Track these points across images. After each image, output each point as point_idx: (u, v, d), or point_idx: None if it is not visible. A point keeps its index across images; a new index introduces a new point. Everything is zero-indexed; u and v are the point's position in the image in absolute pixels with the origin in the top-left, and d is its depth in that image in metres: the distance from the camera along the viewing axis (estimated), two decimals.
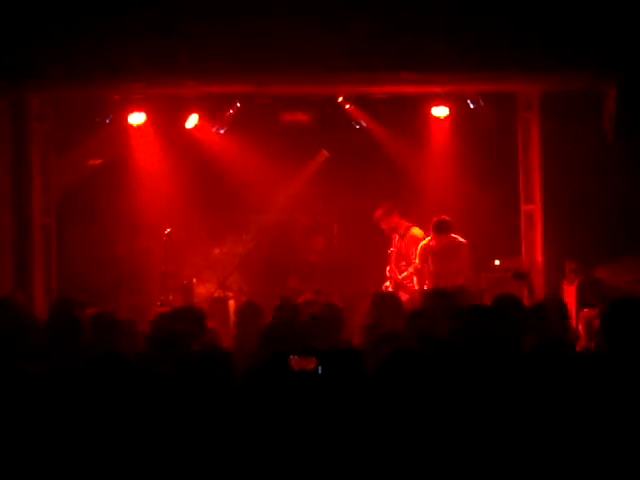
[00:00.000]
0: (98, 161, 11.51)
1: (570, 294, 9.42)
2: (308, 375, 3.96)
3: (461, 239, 9.89)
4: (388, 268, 10.35)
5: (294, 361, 3.96)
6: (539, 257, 10.68)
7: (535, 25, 8.76)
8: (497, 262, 10.86)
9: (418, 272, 9.92)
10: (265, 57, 8.86)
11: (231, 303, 10.71)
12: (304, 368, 3.96)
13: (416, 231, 10.30)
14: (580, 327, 6.55)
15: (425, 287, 9.67)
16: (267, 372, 4.00)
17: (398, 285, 10.16)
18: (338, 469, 3.78)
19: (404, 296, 9.29)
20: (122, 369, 4.21)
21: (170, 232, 10.43)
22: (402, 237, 10.36)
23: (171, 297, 10.56)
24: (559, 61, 8.91)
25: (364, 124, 11.25)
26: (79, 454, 3.96)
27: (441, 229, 9.72)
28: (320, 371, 3.99)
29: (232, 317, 10.25)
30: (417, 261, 9.93)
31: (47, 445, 4.01)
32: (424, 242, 9.97)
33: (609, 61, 8.92)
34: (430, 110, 10.89)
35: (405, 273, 10.21)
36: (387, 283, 10.33)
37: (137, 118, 10.77)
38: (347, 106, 10.97)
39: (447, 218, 9.79)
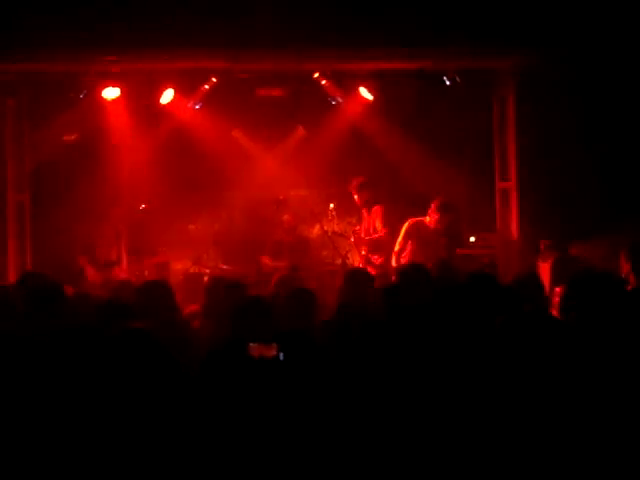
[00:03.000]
0: (72, 136, 11.41)
1: (544, 271, 9.41)
2: (268, 362, 3.92)
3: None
4: (352, 239, 10.39)
5: (254, 348, 3.92)
6: (514, 234, 10.73)
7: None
8: (472, 239, 10.89)
9: (397, 252, 9.88)
10: (239, 32, 8.79)
11: (206, 279, 10.67)
12: (264, 355, 3.92)
13: (380, 205, 10.36)
14: (553, 304, 6.57)
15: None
16: (225, 358, 3.96)
17: (367, 260, 10.20)
18: (305, 456, 3.78)
19: (372, 271, 9.30)
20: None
21: (145, 208, 10.39)
22: (369, 212, 10.41)
23: (146, 273, 10.56)
24: (531, 39, 8.91)
25: (339, 100, 11.22)
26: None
27: (448, 209, 9.70)
28: (282, 357, 3.95)
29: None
30: (400, 240, 9.87)
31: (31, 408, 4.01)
32: (411, 223, 9.89)
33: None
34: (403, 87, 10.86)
35: (373, 237, 10.24)
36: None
37: (111, 93, 10.69)
38: (323, 82, 10.93)
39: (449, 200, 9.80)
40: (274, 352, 3.91)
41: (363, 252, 10.33)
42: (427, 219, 9.80)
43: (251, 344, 3.90)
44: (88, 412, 4.00)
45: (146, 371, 4.13)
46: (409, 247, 9.77)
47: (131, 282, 7.61)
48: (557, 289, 6.74)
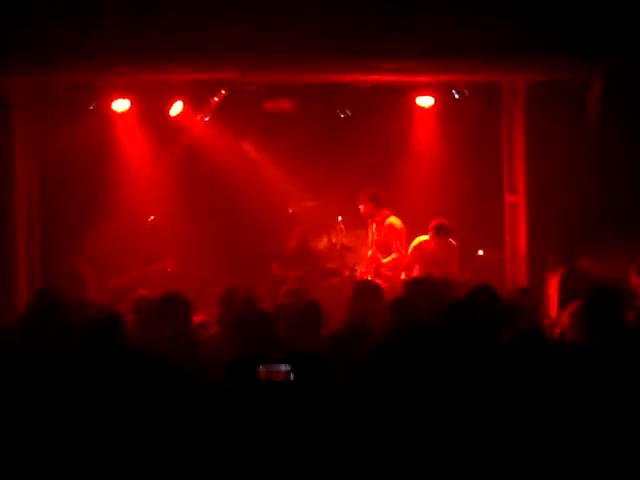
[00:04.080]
0: (82, 148, 11.44)
1: (553, 285, 9.43)
2: (279, 384, 3.91)
3: (454, 242, 9.90)
4: (370, 252, 10.34)
5: (263, 371, 3.91)
6: (522, 247, 10.70)
7: (520, 14, 8.74)
8: (480, 252, 10.88)
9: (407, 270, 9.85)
10: (249, 45, 8.82)
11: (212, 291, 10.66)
12: (274, 378, 3.91)
13: (394, 220, 10.21)
14: (564, 318, 6.55)
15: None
16: (237, 379, 3.96)
17: (376, 272, 10.15)
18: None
19: (382, 284, 9.27)
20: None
21: (153, 220, 10.41)
22: (379, 225, 10.32)
23: (152, 281, 10.55)
24: (544, 50, 8.90)
25: (348, 112, 11.23)
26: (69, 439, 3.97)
27: (443, 232, 9.67)
28: (292, 378, 3.94)
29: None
30: (407, 261, 9.86)
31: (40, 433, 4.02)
32: (418, 242, 9.88)
33: (594, 50, 8.91)
34: (415, 100, 10.88)
35: (388, 259, 10.17)
36: (363, 268, 10.33)
37: (121, 105, 10.71)
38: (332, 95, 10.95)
39: (447, 222, 9.76)
40: (285, 374, 3.91)
41: (377, 266, 10.27)
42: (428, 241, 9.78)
43: (261, 366, 3.89)
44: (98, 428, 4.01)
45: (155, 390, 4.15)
46: (417, 268, 9.76)
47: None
48: (568, 304, 6.74)
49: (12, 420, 4.09)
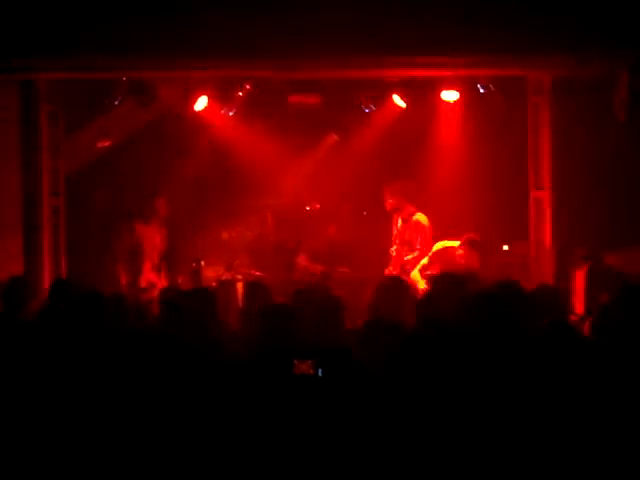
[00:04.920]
0: (107, 143, 11.51)
1: (579, 280, 9.39)
2: (308, 378, 3.93)
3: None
4: (394, 248, 10.30)
5: (296, 365, 3.94)
6: (548, 243, 10.65)
7: (546, 9, 8.70)
8: (505, 247, 10.84)
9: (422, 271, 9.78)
10: (275, 41, 8.82)
11: (239, 286, 10.70)
12: (305, 372, 3.94)
13: (421, 217, 10.14)
14: (591, 314, 6.53)
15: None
16: (265, 372, 3.98)
17: (402, 268, 10.10)
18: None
19: (407, 279, 9.24)
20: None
21: (165, 215, 10.49)
22: (405, 221, 10.28)
23: (180, 280, 10.60)
24: (570, 44, 8.86)
25: (372, 107, 11.21)
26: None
27: (477, 247, 9.51)
28: (320, 373, 3.96)
29: (240, 299, 10.29)
30: (425, 261, 9.78)
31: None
32: (443, 246, 9.79)
33: (621, 43, 8.86)
34: (440, 94, 10.84)
35: (410, 256, 10.13)
36: (390, 267, 10.29)
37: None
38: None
39: (478, 237, 9.61)
40: (314, 369, 3.93)
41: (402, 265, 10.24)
42: (457, 249, 9.66)
43: (295, 360, 3.91)
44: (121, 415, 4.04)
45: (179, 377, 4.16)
46: (435, 269, 9.67)
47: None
48: (594, 299, 6.72)
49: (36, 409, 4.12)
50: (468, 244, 9.44)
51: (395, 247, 10.31)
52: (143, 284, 10.22)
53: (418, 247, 10.04)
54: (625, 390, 4.12)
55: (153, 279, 10.32)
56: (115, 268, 10.40)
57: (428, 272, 9.63)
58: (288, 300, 6.60)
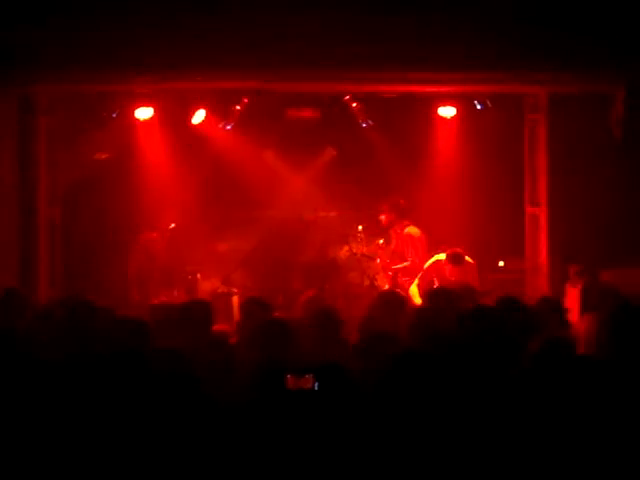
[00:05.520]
0: (104, 155, 11.52)
1: (573, 297, 9.40)
2: (304, 393, 3.93)
3: (470, 260, 9.77)
4: (379, 261, 10.34)
5: (290, 380, 3.93)
6: (543, 259, 10.68)
7: (543, 26, 8.75)
8: (501, 263, 10.86)
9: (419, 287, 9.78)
10: (273, 54, 8.86)
11: (235, 299, 10.70)
12: (301, 387, 3.94)
13: (412, 229, 10.18)
14: (582, 331, 6.53)
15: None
16: (263, 389, 3.98)
17: (394, 281, 10.13)
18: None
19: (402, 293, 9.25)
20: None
21: (174, 227, 10.46)
22: (398, 235, 10.33)
23: (175, 292, 10.59)
24: (567, 62, 8.91)
25: (370, 122, 11.25)
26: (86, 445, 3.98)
27: (458, 261, 9.51)
28: (317, 388, 3.97)
29: (236, 313, 10.28)
30: (420, 277, 9.78)
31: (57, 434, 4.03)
32: (435, 260, 9.80)
33: (617, 62, 8.91)
34: (437, 110, 10.88)
35: (400, 265, 10.16)
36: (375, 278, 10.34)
37: (144, 113, 10.77)
38: (354, 104, 10.97)
39: (459, 250, 9.59)
40: (310, 383, 3.93)
41: (390, 273, 10.28)
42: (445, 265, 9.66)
43: (288, 375, 3.91)
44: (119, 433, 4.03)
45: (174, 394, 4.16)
46: (432, 283, 9.67)
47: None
48: (586, 316, 6.72)
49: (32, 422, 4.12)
50: (450, 260, 9.45)
51: (379, 259, 10.37)
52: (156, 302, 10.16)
53: (409, 258, 10.08)
54: (621, 406, 4.12)
55: (165, 296, 10.28)
56: (126, 285, 10.39)
57: (422, 285, 9.64)
58: (292, 311, 6.61)
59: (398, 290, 9.70)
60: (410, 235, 10.18)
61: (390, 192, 10.63)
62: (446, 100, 10.70)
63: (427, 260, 9.88)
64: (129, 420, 4.06)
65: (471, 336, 4.91)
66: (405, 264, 10.09)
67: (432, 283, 9.60)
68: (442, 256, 9.70)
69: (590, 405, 4.04)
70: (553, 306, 6.41)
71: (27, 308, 6.92)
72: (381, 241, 10.48)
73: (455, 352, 4.65)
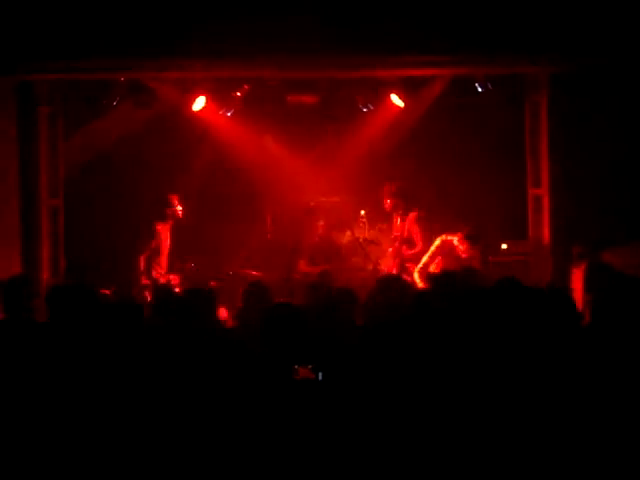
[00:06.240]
0: (105, 144, 11.51)
1: (577, 278, 9.39)
2: (310, 382, 3.94)
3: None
4: (390, 250, 10.38)
5: (297, 370, 3.94)
6: (546, 241, 10.66)
7: (536, 6, 8.74)
8: (504, 246, 10.85)
9: (422, 269, 9.77)
10: (272, 41, 8.84)
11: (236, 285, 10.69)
12: (307, 377, 3.94)
13: (414, 217, 10.28)
14: (587, 311, 6.52)
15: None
16: (270, 379, 3.98)
17: (402, 267, 10.15)
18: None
19: (407, 279, 9.26)
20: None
21: (177, 214, 10.48)
22: (403, 220, 10.33)
23: (179, 279, 10.59)
24: (562, 41, 8.89)
25: (370, 107, 11.23)
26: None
27: (476, 240, 9.54)
28: (320, 377, 3.97)
29: (238, 299, 10.29)
30: (427, 257, 9.77)
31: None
32: (442, 240, 9.80)
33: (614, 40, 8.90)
34: (437, 93, 10.84)
35: (411, 252, 10.19)
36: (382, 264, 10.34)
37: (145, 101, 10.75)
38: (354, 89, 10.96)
39: (478, 231, 9.63)
40: (315, 374, 3.93)
41: (400, 260, 10.28)
42: (455, 242, 9.70)
43: (295, 366, 3.91)
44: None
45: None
46: (438, 263, 9.68)
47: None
48: (590, 296, 6.72)
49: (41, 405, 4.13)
50: (467, 239, 9.50)
51: (391, 248, 10.39)
52: (163, 280, 10.21)
53: (418, 243, 10.11)
54: (623, 385, 4.12)
55: (173, 278, 10.32)
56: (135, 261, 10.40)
57: (430, 269, 9.64)
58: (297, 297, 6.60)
59: (404, 274, 9.73)
60: (414, 218, 10.22)
61: (392, 177, 10.62)
62: (445, 83, 10.65)
63: (431, 245, 9.89)
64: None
65: (473, 317, 4.90)
66: (416, 250, 10.12)
67: (436, 266, 9.63)
68: (448, 237, 9.70)
69: (591, 384, 4.04)
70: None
71: (34, 295, 6.93)
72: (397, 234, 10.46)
73: (456, 333, 4.65)
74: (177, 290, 9.17)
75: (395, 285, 6.62)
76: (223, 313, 7.90)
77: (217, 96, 10.96)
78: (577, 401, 4.04)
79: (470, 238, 9.53)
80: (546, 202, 10.67)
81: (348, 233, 11.36)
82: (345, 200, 11.85)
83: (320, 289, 6.95)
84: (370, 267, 10.59)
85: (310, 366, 3.97)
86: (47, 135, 10.49)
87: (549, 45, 8.97)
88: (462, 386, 4.13)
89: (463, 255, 9.52)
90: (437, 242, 9.79)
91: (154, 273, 10.28)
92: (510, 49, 9.03)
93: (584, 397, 4.06)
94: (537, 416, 3.97)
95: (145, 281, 10.24)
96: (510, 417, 3.99)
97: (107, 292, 7.81)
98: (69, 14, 8.79)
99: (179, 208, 10.48)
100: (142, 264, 10.35)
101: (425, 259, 9.78)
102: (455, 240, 9.63)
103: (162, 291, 6.88)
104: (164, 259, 10.50)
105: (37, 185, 10.41)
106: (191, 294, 6.21)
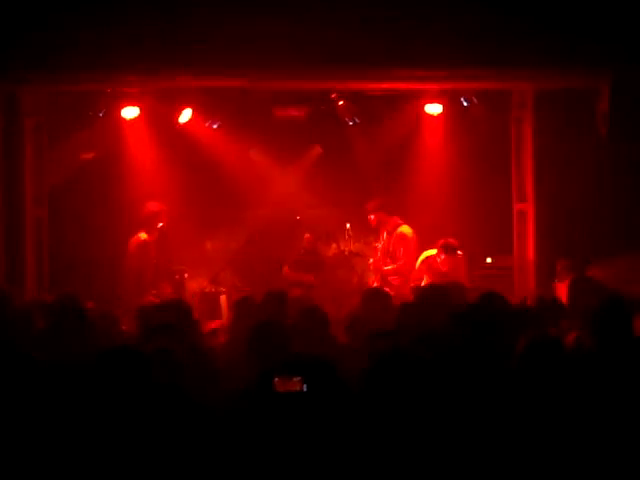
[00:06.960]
0: (91, 155, 11.48)
1: (561, 292, 9.41)
2: (293, 396, 3.91)
3: (460, 253, 9.85)
4: (372, 260, 10.43)
5: (278, 383, 3.90)
6: (531, 255, 10.70)
7: (528, 21, 8.77)
8: (489, 260, 10.88)
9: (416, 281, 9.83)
10: (259, 52, 8.85)
11: (222, 298, 10.69)
12: (289, 389, 3.91)
13: (405, 229, 10.28)
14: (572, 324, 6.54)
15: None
16: (253, 395, 3.96)
17: (383, 280, 10.17)
18: None
19: (390, 292, 9.28)
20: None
21: (162, 226, 10.43)
22: (390, 234, 10.35)
23: (164, 292, 10.54)
24: (552, 58, 8.93)
25: (357, 120, 11.25)
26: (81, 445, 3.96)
27: (450, 250, 9.66)
28: (305, 389, 3.94)
29: (224, 312, 10.27)
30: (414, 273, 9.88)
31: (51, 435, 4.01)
32: (425, 256, 9.88)
33: (602, 58, 8.93)
34: (423, 107, 10.89)
35: (389, 267, 10.22)
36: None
37: (130, 112, 10.74)
38: (340, 102, 10.97)
39: (453, 240, 9.75)
40: (299, 385, 3.90)
41: (379, 272, 10.32)
42: (437, 256, 9.77)
43: (276, 378, 3.88)
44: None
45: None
46: (425, 280, 9.74)
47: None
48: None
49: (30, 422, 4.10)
50: (443, 250, 9.58)
51: (372, 259, 10.42)
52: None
53: (400, 257, 10.12)
54: (610, 402, 4.13)
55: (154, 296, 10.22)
56: (119, 285, 10.32)
57: (414, 284, 9.69)
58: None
59: (387, 289, 9.75)
60: (403, 234, 10.25)
61: (377, 191, 10.66)
62: (432, 97, 10.70)
63: (417, 260, 9.95)
64: (116, 424, 4.04)
65: (458, 332, 4.91)
66: (393, 266, 10.14)
67: (422, 280, 9.67)
68: (433, 252, 9.77)
69: (578, 402, 4.04)
70: (549, 305, 6.43)
71: (13, 307, 6.91)
72: (379, 245, 10.49)
73: (445, 351, 4.64)
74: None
75: (379, 298, 6.65)
76: (215, 324, 7.89)
77: (203, 108, 10.96)
78: (566, 415, 4.05)
79: (445, 248, 9.62)
80: (531, 216, 10.72)
81: (334, 246, 11.38)
82: (331, 213, 11.86)
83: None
84: (355, 280, 10.60)
85: (294, 378, 3.95)
86: (32, 145, 10.46)
87: (536, 61, 9.00)
88: (447, 400, 4.13)
89: (443, 269, 9.59)
90: (422, 257, 9.88)
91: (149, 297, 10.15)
92: (496, 64, 9.05)
93: (573, 412, 4.06)
94: (529, 431, 3.97)
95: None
96: (502, 427, 3.99)
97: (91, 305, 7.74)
98: (54, 25, 8.76)
99: (160, 224, 10.41)
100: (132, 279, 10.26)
101: (413, 275, 9.86)
102: (435, 253, 9.73)
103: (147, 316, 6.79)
104: (150, 275, 10.40)
105: (22, 195, 10.37)
106: (169, 307, 6.18)
